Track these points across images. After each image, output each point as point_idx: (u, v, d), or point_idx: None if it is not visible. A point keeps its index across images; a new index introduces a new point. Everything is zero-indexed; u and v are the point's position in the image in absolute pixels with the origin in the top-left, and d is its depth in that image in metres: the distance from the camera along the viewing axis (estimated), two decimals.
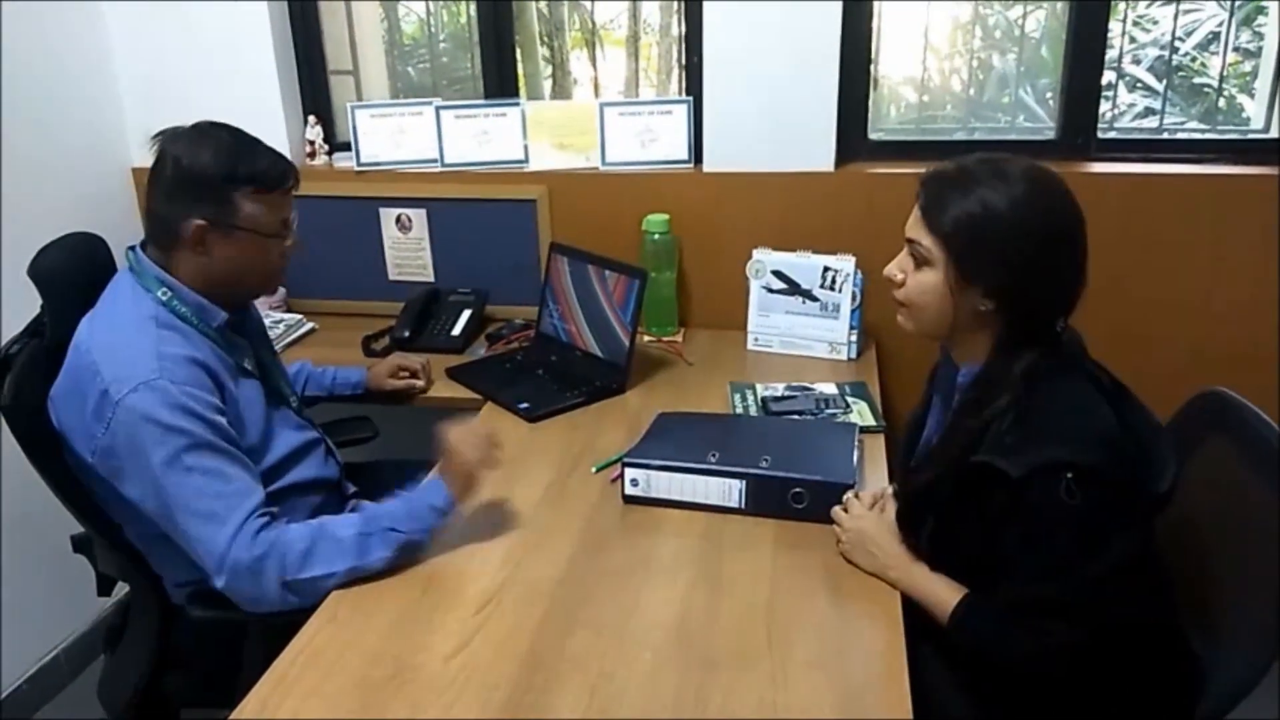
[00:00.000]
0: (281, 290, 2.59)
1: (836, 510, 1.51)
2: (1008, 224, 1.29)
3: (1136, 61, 2.82)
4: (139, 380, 1.41)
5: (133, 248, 1.58)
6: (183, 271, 1.54)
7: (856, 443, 1.71)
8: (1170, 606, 1.38)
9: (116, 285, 1.57)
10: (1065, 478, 1.21)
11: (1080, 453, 1.22)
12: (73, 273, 1.64)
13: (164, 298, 1.52)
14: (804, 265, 2.24)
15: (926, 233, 1.35)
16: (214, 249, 1.52)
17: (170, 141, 1.52)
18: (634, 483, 1.64)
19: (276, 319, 2.46)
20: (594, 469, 1.77)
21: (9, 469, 1.67)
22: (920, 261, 1.37)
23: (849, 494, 1.52)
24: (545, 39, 2.90)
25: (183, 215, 1.50)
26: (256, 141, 1.57)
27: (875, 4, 2.32)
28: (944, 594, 1.36)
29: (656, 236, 2.31)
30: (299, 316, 2.51)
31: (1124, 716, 1.32)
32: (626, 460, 1.64)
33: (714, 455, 1.62)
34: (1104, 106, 2.33)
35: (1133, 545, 1.27)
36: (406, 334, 2.35)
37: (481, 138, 2.49)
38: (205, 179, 1.49)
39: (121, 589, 1.74)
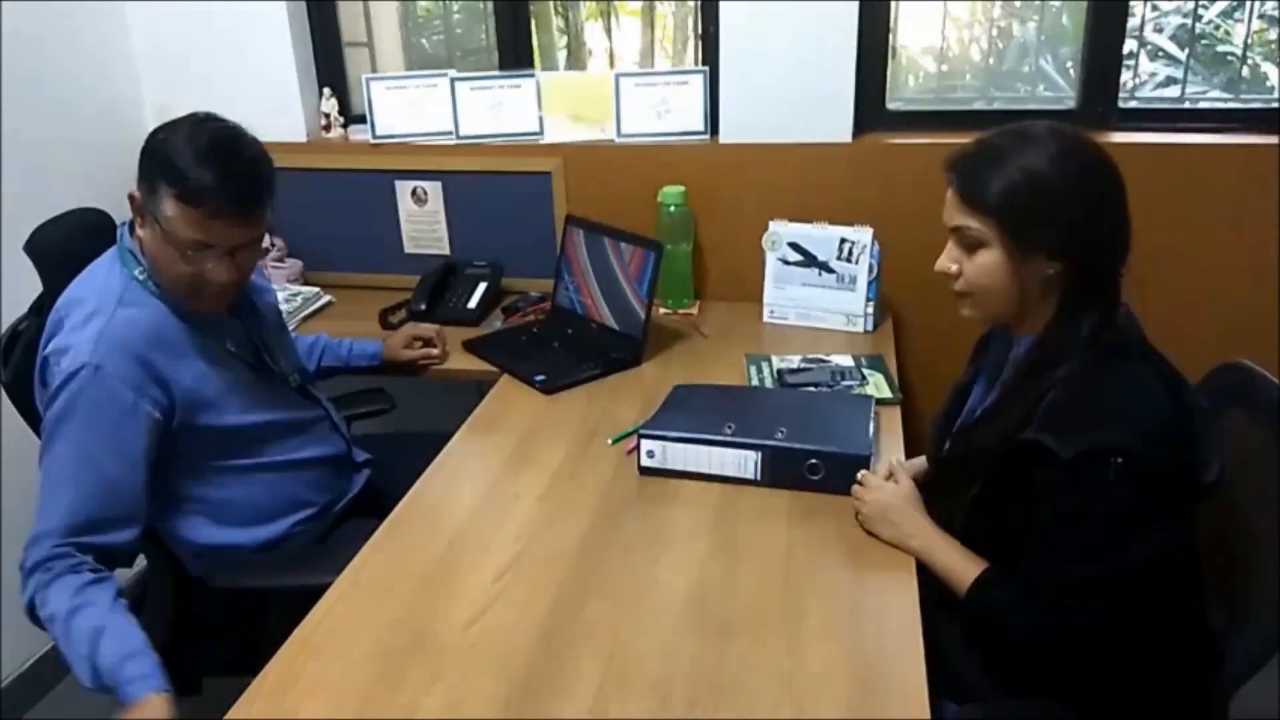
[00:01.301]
0: (298, 263, 2.60)
1: (854, 487, 1.50)
2: (1054, 182, 1.28)
3: (1158, 30, 2.78)
4: (73, 360, 1.44)
5: (124, 223, 1.59)
6: (141, 246, 1.54)
7: (872, 415, 1.71)
8: (1199, 603, 1.36)
9: (101, 258, 1.59)
10: (1115, 462, 1.20)
11: (1133, 439, 1.21)
12: (73, 248, 1.64)
13: (140, 276, 1.53)
14: (820, 237, 2.23)
15: (972, 215, 1.32)
16: (145, 226, 1.51)
17: (181, 117, 1.52)
18: (650, 454, 1.64)
19: (294, 292, 2.47)
20: (610, 441, 1.78)
21: (11, 449, 1.69)
22: (973, 246, 1.34)
23: (862, 471, 1.52)
24: (560, 9, 2.88)
25: (136, 182, 1.50)
26: (228, 159, 1.46)
27: None
28: (964, 565, 1.36)
29: (672, 208, 2.30)
30: (316, 289, 2.52)
31: (1138, 690, 1.32)
32: (643, 432, 1.65)
33: (730, 427, 1.63)
34: (1125, 75, 2.29)
35: (1171, 537, 1.26)
36: (423, 306, 2.35)
37: (496, 109, 2.48)
38: (152, 156, 1.47)
39: (141, 560, 1.75)
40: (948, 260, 1.39)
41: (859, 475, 1.51)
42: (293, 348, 1.88)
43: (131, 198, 1.51)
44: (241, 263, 1.54)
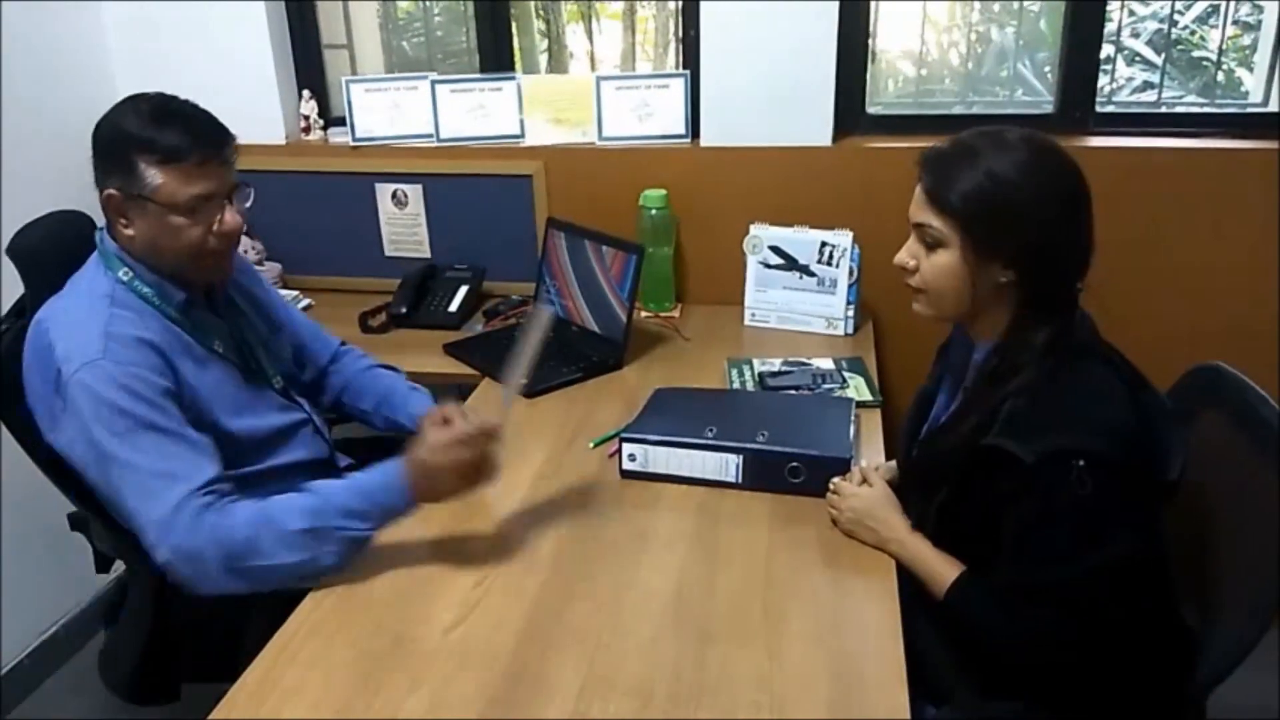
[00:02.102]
0: (277, 266, 2.59)
1: (829, 495, 1.51)
2: (1018, 190, 1.28)
3: (1135, 35, 2.81)
4: (84, 359, 1.40)
5: (100, 228, 1.56)
6: (126, 246, 1.51)
7: (853, 418, 1.71)
8: (1170, 602, 1.36)
9: (88, 263, 1.56)
10: (1077, 465, 1.20)
11: (1094, 441, 1.21)
12: (55, 251, 1.62)
13: (125, 278, 1.50)
14: (801, 240, 2.23)
15: (935, 214, 1.33)
16: (135, 222, 1.48)
17: (111, 107, 1.50)
18: (631, 458, 1.64)
19: None
20: (591, 444, 1.77)
21: (7, 446, 1.67)
22: (932, 244, 1.35)
23: (835, 479, 1.52)
24: (541, 12, 2.88)
25: (101, 184, 1.47)
26: (181, 111, 1.47)
27: None
28: (942, 569, 1.36)
29: (654, 212, 2.30)
30: (295, 293, 2.50)
31: (1114, 691, 1.33)
32: (624, 435, 1.65)
33: (711, 430, 1.63)
34: (1102, 80, 2.32)
35: (1137, 538, 1.26)
36: (403, 310, 2.35)
37: (477, 112, 2.47)
38: (114, 144, 1.45)
39: (120, 565, 1.74)
40: (906, 255, 1.40)
41: (832, 483, 1.52)
42: (284, 349, 1.82)
43: (109, 197, 1.47)
44: (238, 204, 1.54)
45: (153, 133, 1.43)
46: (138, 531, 1.41)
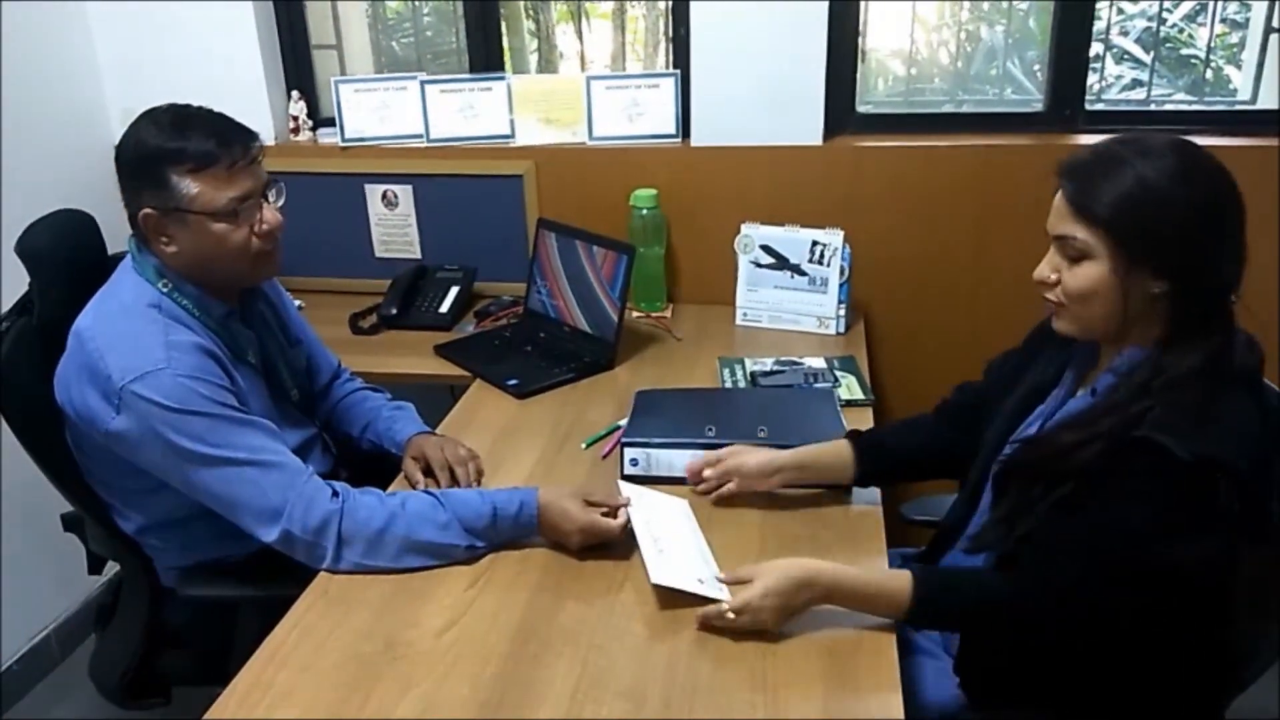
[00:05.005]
0: None
1: (730, 617, 1.28)
2: (1168, 197, 1.22)
3: (1124, 33, 2.81)
4: (145, 369, 1.38)
5: (131, 238, 1.53)
6: (170, 263, 1.48)
7: (838, 404, 1.72)
8: (1220, 639, 1.30)
9: (120, 274, 1.53)
10: (1222, 478, 1.15)
11: (1243, 461, 1.16)
12: (61, 250, 1.61)
13: (165, 289, 1.48)
14: (792, 239, 2.23)
15: (1081, 225, 1.25)
16: (176, 237, 1.45)
17: (127, 128, 1.48)
18: (634, 462, 1.63)
19: None
20: (584, 445, 1.77)
21: (9, 446, 1.65)
22: (1077, 257, 1.27)
23: (716, 608, 1.28)
24: (530, 12, 2.87)
25: (134, 205, 1.45)
26: (200, 117, 1.46)
27: None
28: (892, 580, 1.29)
29: (644, 211, 2.30)
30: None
31: (1129, 702, 1.30)
32: (625, 440, 1.64)
33: (710, 429, 1.62)
34: (1091, 78, 2.32)
35: (1215, 560, 1.20)
36: (394, 311, 2.34)
37: (467, 112, 2.47)
38: (141, 162, 1.43)
39: (112, 567, 1.73)
40: (1047, 268, 1.31)
41: (724, 611, 1.28)
42: (300, 363, 1.79)
43: (146, 217, 1.44)
44: (274, 200, 1.53)
45: (179, 142, 1.41)
46: (240, 522, 1.42)
